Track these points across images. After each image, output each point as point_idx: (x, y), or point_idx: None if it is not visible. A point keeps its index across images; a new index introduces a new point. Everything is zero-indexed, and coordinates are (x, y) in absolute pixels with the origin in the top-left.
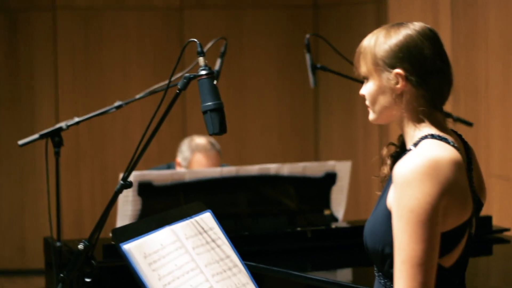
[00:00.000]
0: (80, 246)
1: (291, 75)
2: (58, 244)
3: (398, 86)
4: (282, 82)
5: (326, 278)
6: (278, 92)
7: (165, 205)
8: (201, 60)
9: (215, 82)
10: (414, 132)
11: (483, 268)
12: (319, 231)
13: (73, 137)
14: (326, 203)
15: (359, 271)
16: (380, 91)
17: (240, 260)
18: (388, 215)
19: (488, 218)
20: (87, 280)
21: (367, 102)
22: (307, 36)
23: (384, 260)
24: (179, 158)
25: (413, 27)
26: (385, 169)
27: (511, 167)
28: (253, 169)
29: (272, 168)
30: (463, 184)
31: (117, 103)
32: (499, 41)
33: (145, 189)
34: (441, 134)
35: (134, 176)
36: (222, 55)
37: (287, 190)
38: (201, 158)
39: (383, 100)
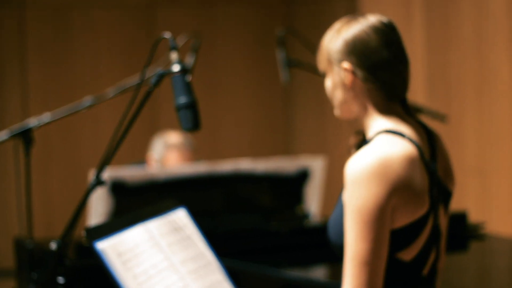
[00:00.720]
0: (53, 246)
1: (263, 70)
2: (29, 243)
3: (347, 80)
4: (254, 77)
5: (302, 274)
6: (250, 87)
7: (138, 203)
8: (174, 55)
9: (189, 78)
10: (369, 126)
11: (458, 264)
12: (293, 227)
13: (42, 134)
14: (300, 200)
15: (334, 267)
16: (334, 86)
17: (215, 257)
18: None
19: (463, 214)
20: (60, 280)
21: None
22: (280, 31)
23: None
24: (152, 155)
25: (364, 21)
26: None
27: (486, 161)
28: (227, 166)
29: (246, 165)
30: (417, 179)
31: (87, 101)
32: (473, 34)
33: (118, 188)
34: (397, 127)
35: (107, 174)
36: (196, 51)
37: (261, 187)
38: (176, 156)
39: (338, 96)
